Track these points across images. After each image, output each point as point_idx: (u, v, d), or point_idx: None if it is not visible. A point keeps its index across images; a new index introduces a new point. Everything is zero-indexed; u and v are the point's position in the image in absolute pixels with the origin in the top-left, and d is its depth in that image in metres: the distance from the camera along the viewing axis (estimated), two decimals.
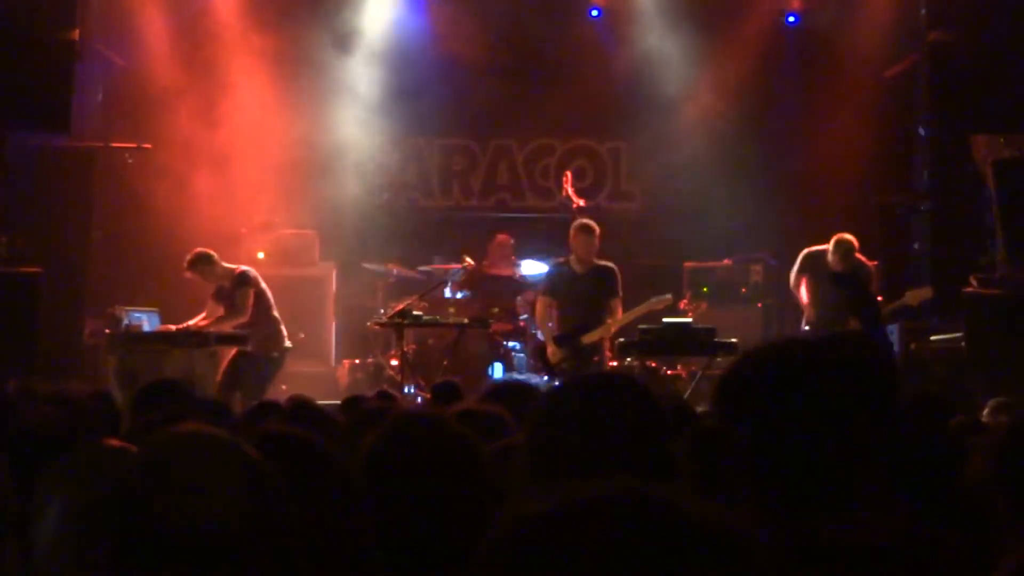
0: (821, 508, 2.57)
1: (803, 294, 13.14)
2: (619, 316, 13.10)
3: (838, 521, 2.55)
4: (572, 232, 13.21)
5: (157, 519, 2.26)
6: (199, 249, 13.05)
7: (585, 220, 13.37)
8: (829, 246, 12.90)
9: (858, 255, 12.93)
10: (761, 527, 2.52)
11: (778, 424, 2.61)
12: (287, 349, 13.26)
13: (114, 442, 3.27)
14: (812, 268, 12.92)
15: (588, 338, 12.98)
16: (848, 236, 12.91)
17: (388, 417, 3.57)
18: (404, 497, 3.08)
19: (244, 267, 13.33)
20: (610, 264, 13.23)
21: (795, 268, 13.16)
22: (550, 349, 13.14)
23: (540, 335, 13.52)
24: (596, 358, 13.01)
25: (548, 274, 13.54)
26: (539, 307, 13.47)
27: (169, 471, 2.31)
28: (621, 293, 13.17)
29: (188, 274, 13.02)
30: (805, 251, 13.13)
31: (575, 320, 13.11)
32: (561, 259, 13.44)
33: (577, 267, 13.18)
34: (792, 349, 2.73)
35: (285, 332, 13.26)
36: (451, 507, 3.13)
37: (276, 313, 13.22)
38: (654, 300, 13.26)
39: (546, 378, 12.94)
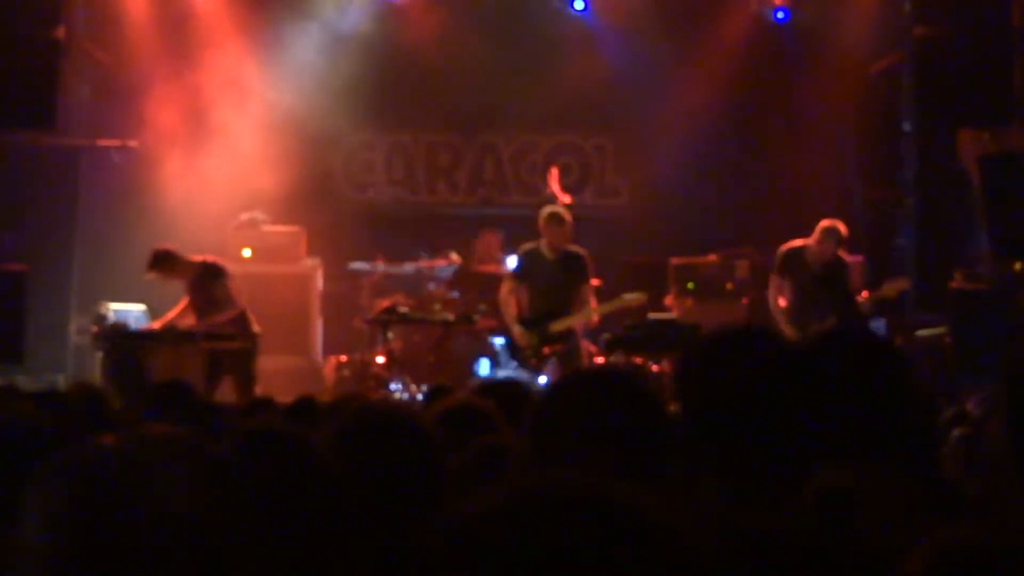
0: (772, 493, 2.61)
1: (779, 301, 13.02)
2: (591, 304, 13.07)
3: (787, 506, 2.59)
4: (542, 221, 13.07)
5: (120, 524, 2.27)
6: (156, 248, 12.99)
7: (555, 209, 13.28)
8: (815, 234, 12.83)
9: (839, 251, 12.92)
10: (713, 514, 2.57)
11: (735, 409, 2.67)
12: (256, 335, 13.23)
13: (108, 439, 3.27)
14: (790, 268, 12.85)
15: (557, 326, 12.93)
16: (837, 224, 12.79)
17: (347, 409, 3.59)
18: (363, 487, 3.09)
19: (211, 259, 13.27)
20: (580, 250, 13.14)
21: (774, 270, 13.07)
22: (516, 331, 13.06)
23: (506, 320, 13.38)
24: (563, 346, 12.94)
25: (519, 258, 13.46)
26: (503, 290, 13.36)
27: (132, 475, 2.32)
28: (592, 279, 13.16)
29: (148, 276, 12.95)
30: (782, 250, 13.04)
31: (543, 306, 13.02)
32: (532, 244, 13.37)
33: (548, 252, 13.08)
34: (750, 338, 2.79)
35: (252, 319, 13.25)
36: (407, 498, 3.15)
37: (244, 303, 13.21)
38: (627, 298, 13.26)
39: (515, 364, 12.96)
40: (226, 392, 12.73)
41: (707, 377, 2.78)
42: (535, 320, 13.04)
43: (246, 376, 12.84)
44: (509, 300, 13.23)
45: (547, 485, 1.60)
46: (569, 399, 2.99)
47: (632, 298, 13.25)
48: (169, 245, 13.08)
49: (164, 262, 12.88)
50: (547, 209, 13.29)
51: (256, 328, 13.21)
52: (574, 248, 13.14)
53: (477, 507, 1.59)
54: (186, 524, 2.27)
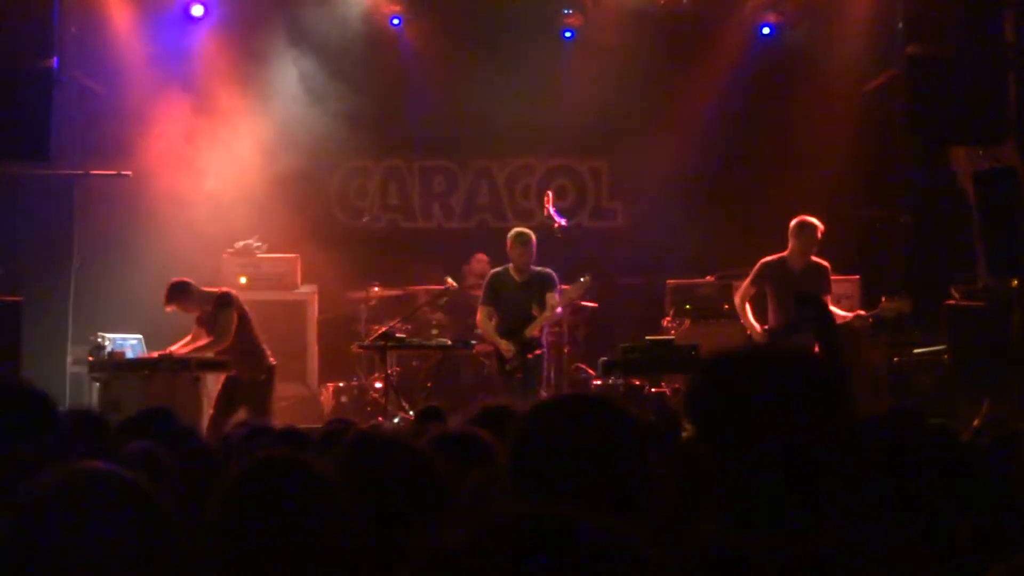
0: (791, 520, 2.59)
1: (748, 309, 13.02)
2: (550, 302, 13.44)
3: (802, 533, 2.57)
4: (509, 242, 13.46)
5: (45, 560, 2.26)
6: (173, 280, 12.97)
7: (521, 229, 13.66)
8: (791, 230, 12.81)
9: (815, 258, 12.84)
10: (743, 540, 2.54)
11: (741, 438, 2.64)
12: (272, 368, 13.19)
13: (96, 463, 3.23)
14: (771, 278, 12.83)
15: (529, 331, 13.25)
16: (812, 219, 12.80)
17: (346, 436, 3.58)
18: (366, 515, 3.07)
19: (225, 289, 13.29)
20: (547, 269, 13.47)
21: (747, 279, 13.07)
22: (503, 345, 13.28)
23: (489, 340, 13.68)
24: (539, 351, 13.34)
25: (488, 283, 13.60)
26: (481, 315, 13.62)
27: (59, 511, 2.31)
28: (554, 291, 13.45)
29: (168, 308, 12.97)
30: (761, 261, 13.04)
31: (512, 323, 13.33)
32: (500, 268, 13.59)
33: (516, 275, 13.42)
34: (749, 364, 2.76)
35: (268, 351, 13.21)
36: (409, 526, 3.14)
37: (258, 335, 13.17)
38: (579, 282, 13.40)
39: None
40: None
41: (721, 398, 2.75)
42: (509, 332, 13.28)
43: (261, 407, 12.79)
44: (488, 322, 13.55)
45: (520, 517, 1.58)
46: (546, 423, 2.97)
47: (580, 284, 13.38)
48: (185, 277, 13.04)
49: (182, 294, 12.84)
50: (513, 231, 13.64)
51: (272, 360, 13.16)
52: (540, 268, 13.44)
53: (452, 540, 1.58)
54: (105, 563, 2.26)
